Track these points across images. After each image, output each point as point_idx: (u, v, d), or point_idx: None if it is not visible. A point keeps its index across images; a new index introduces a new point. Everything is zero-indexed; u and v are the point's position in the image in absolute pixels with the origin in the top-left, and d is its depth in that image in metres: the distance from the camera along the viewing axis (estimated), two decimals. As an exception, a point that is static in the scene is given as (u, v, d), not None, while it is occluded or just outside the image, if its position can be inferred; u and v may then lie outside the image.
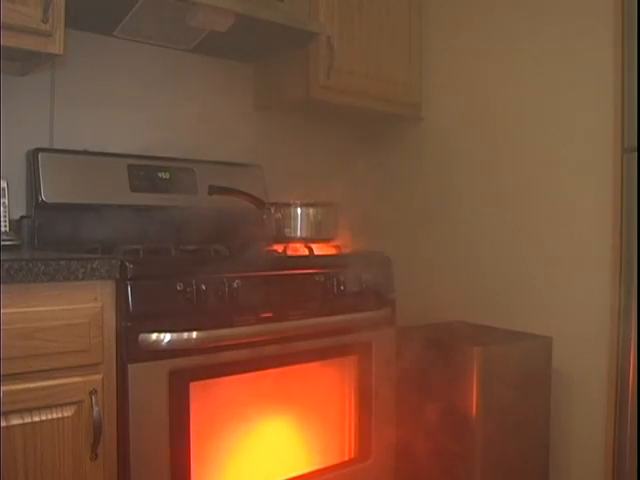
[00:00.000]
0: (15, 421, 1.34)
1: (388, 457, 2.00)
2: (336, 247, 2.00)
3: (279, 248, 1.94)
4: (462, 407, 2.02)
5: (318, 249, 1.93)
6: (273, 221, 2.02)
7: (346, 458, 1.94)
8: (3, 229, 1.85)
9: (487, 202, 2.43)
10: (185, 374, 1.56)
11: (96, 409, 1.43)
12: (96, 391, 1.44)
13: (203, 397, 1.62)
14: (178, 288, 1.54)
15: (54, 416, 1.39)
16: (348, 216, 2.14)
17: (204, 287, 1.57)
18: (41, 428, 1.38)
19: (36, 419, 1.37)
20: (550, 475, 2.20)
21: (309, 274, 1.80)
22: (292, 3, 2.24)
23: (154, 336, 1.50)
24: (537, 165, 2.28)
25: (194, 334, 1.54)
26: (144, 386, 1.50)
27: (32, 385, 1.36)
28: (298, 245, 1.95)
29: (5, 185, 1.88)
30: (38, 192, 1.92)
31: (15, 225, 1.91)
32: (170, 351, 1.52)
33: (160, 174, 2.17)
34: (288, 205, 2.02)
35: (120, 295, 1.49)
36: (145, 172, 2.13)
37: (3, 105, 1.91)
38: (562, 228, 2.18)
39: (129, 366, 1.48)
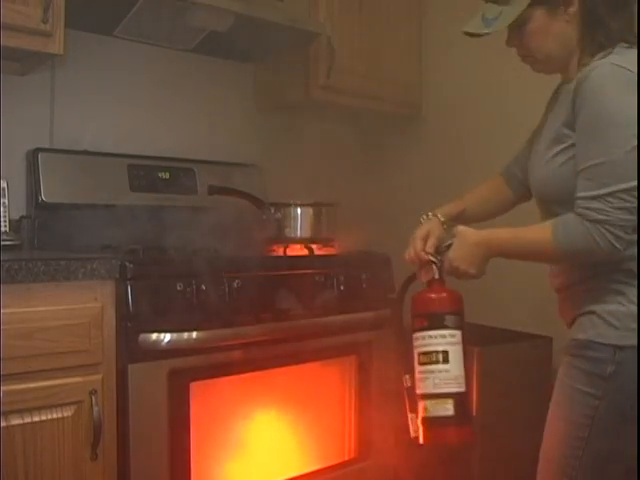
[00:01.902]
0: (15, 421, 1.35)
1: (388, 457, 2.00)
2: (336, 247, 2.00)
3: (279, 248, 1.94)
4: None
5: (318, 249, 1.93)
6: (273, 221, 2.02)
7: (346, 458, 1.95)
8: (3, 229, 1.84)
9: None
10: (185, 374, 1.56)
11: (96, 409, 1.43)
12: (96, 391, 1.44)
13: (203, 397, 1.62)
14: (178, 288, 1.54)
15: (54, 416, 1.39)
16: (348, 216, 2.14)
17: (204, 287, 1.57)
18: (41, 428, 1.38)
19: (36, 419, 1.37)
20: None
21: (309, 274, 1.80)
22: (292, 3, 2.24)
23: (154, 336, 1.50)
24: (537, 165, 2.27)
25: (194, 334, 1.54)
26: (144, 386, 1.50)
27: (32, 385, 1.36)
28: (298, 245, 1.95)
29: (5, 185, 1.88)
30: (38, 192, 1.92)
31: (15, 225, 1.90)
32: (170, 351, 1.52)
33: (160, 174, 2.17)
34: (288, 205, 2.02)
35: (120, 295, 1.49)
36: (145, 172, 2.13)
37: (3, 105, 1.91)
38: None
39: (129, 366, 1.48)
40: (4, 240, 1.79)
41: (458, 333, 1.30)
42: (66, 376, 1.41)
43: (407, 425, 2.11)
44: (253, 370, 1.69)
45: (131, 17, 2.01)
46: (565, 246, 1.18)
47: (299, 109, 2.57)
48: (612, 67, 1.17)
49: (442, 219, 1.46)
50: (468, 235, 1.30)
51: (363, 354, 1.94)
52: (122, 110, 2.16)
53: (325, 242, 2.01)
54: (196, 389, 1.59)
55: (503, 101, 2.38)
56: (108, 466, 1.47)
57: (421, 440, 1.29)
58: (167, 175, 2.18)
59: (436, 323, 1.28)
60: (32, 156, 1.94)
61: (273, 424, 1.80)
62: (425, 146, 2.66)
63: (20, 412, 1.35)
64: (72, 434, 1.42)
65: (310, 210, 2.02)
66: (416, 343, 1.30)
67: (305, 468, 1.84)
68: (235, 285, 1.62)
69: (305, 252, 1.89)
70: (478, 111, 2.47)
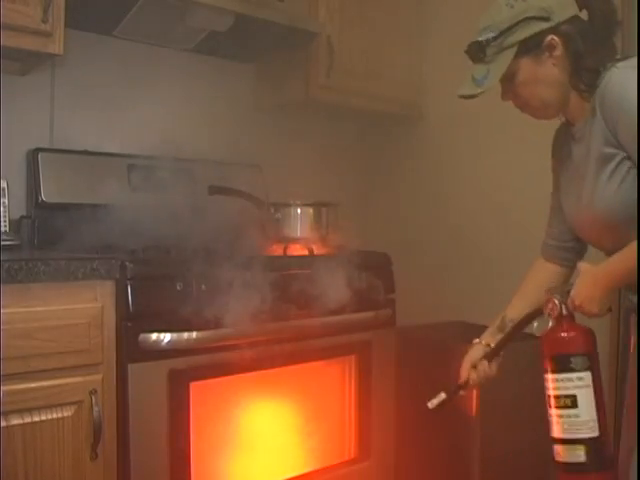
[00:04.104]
0: (15, 421, 1.35)
1: (388, 457, 2.00)
2: (336, 247, 2.00)
3: (279, 248, 1.94)
4: (462, 407, 2.02)
5: (318, 249, 1.93)
6: (273, 221, 2.02)
7: (346, 458, 1.94)
8: (3, 229, 1.84)
9: (488, 202, 2.43)
10: (185, 374, 1.56)
11: (96, 409, 1.43)
12: (96, 391, 1.44)
13: (203, 397, 1.62)
14: (178, 288, 1.54)
15: (54, 416, 1.39)
16: (348, 216, 2.14)
17: (204, 287, 1.57)
18: (41, 428, 1.38)
19: (36, 419, 1.37)
20: (550, 474, 2.20)
21: (309, 274, 1.80)
22: (292, 3, 2.24)
23: (154, 336, 1.50)
24: (538, 164, 2.27)
25: (194, 334, 1.54)
26: (144, 386, 1.50)
27: (32, 385, 1.36)
28: (298, 245, 1.95)
29: (5, 185, 1.88)
30: (38, 192, 1.92)
31: (15, 225, 1.90)
32: (170, 351, 1.52)
33: (160, 174, 2.16)
34: (288, 205, 2.02)
35: (120, 295, 1.49)
36: (145, 172, 2.13)
37: (3, 105, 1.91)
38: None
39: (129, 366, 1.48)
40: (4, 240, 1.79)
41: (587, 375, 1.24)
42: (66, 376, 1.41)
43: (407, 425, 2.12)
44: (253, 370, 1.69)
45: (131, 17, 2.01)
46: None
47: (299, 109, 2.57)
48: (623, 70, 1.21)
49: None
50: (591, 273, 1.27)
51: (363, 354, 1.94)
52: (122, 110, 2.16)
53: (325, 242, 2.01)
54: (196, 389, 1.59)
55: (502, 101, 2.38)
56: (108, 466, 1.47)
57: None
58: (167, 175, 2.18)
59: (562, 366, 1.26)
60: (32, 156, 1.94)
61: (273, 424, 1.80)
62: (425, 146, 2.66)
63: (20, 412, 1.35)
64: (72, 434, 1.42)
65: (310, 210, 2.02)
66: (546, 384, 1.30)
67: (305, 468, 1.84)
68: (235, 285, 1.62)
69: (305, 252, 1.89)
70: (478, 111, 2.46)
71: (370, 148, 2.86)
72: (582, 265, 1.29)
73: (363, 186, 2.82)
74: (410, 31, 2.60)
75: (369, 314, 1.90)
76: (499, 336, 1.58)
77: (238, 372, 1.66)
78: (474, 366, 1.54)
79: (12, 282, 1.34)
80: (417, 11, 2.62)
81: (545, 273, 1.57)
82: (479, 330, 2.32)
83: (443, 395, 1.51)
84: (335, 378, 1.94)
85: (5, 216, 1.86)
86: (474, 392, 1.99)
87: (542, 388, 2.26)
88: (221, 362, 1.61)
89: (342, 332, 1.85)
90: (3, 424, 1.33)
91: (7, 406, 1.33)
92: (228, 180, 2.20)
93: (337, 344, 1.86)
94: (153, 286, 1.51)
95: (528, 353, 2.13)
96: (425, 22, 2.64)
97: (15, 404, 1.34)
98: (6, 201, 1.88)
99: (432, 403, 1.51)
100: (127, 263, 1.50)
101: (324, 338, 1.81)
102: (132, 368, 1.48)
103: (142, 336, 1.49)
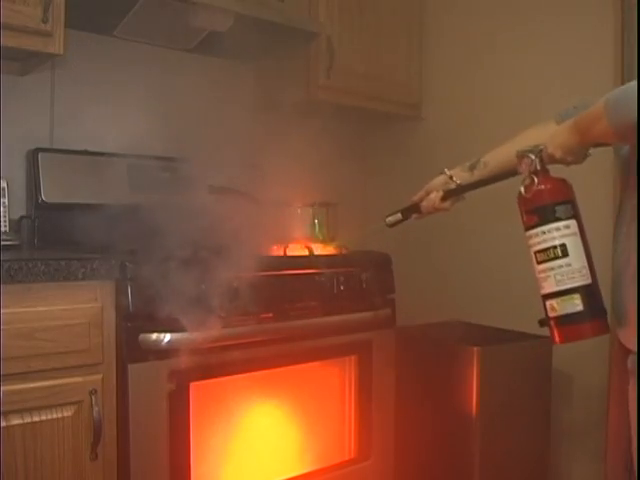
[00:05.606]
0: (15, 421, 1.35)
1: (388, 457, 2.00)
2: (336, 247, 2.00)
3: (279, 248, 1.94)
4: (462, 407, 2.02)
5: (318, 249, 1.93)
6: (273, 221, 2.02)
7: (346, 458, 1.94)
8: (3, 229, 1.84)
9: (487, 201, 2.42)
10: (185, 374, 1.55)
11: (96, 409, 1.43)
12: (96, 391, 1.44)
13: (203, 397, 1.62)
14: (178, 288, 1.54)
15: (54, 416, 1.39)
16: (348, 216, 2.14)
17: (204, 287, 1.57)
18: (41, 428, 1.38)
19: (36, 419, 1.37)
20: (550, 475, 2.20)
21: (309, 274, 1.80)
22: (292, 3, 2.25)
23: (154, 336, 1.50)
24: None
25: (194, 334, 1.53)
26: (144, 386, 1.50)
27: (32, 385, 1.36)
28: (298, 245, 1.95)
29: (5, 185, 1.88)
30: (38, 192, 1.92)
31: (15, 225, 1.90)
32: (170, 351, 1.52)
33: (160, 174, 2.16)
34: (288, 205, 2.02)
35: (120, 295, 1.49)
36: (145, 172, 2.13)
37: (3, 105, 1.91)
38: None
39: (129, 366, 1.48)
40: (4, 240, 1.79)
41: (572, 223, 1.20)
42: (66, 376, 1.41)
43: (407, 425, 2.11)
44: (253, 370, 1.69)
45: (131, 17, 2.01)
46: (612, 105, 1.10)
47: (299, 109, 2.56)
48: None
49: None
50: (565, 124, 1.25)
51: (363, 354, 1.94)
52: (122, 110, 2.16)
53: (325, 242, 2.01)
54: (196, 389, 1.59)
55: (503, 101, 2.38)
56: (108, 466, 1.47)
57: (556, 340, 1.23)
58: (167, 175, 2.18)
59: (547, 217, 1.21)
60: (32, 156, 1.94)
61: (273, 424, 1.80)
62: (425, 146, 2.66)
63: (20, 412, 1.35)
64: (72, 434, 1.42)
65: (310, 210, 2.02)
66: (531, 242, 1.24)
67: (305, 468, 1.84)
68: (235, 285, 1.62)
69: (305, 252, 1.89)
70: (478, 111, 2.47)
71: (370, 148, 2.86)
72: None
73: (363, 186, 2.82)
74: (410, 31, 2.60)
75: (369, 314, 1.90)
76: (466, 175, 1.63)
77: (238, 372, 1.66)
78: (429, 193, 1.60)
79: (12, 282, 1.34)
80: (417, 11, 2.62)
81: (541, 131, 1.48)
82: (479, 330, 2.33)
83: (399, 215, 1.64)
84: (335, 378, 1.94)
85: (5, 216, 1.86)
86: (474, 392, 1.99)
87: (542, 388, 2.26)
88: (221, 362, 1.61)
89: (342, 332, 1.85)
90: (3, 424, 1.33)
91: (7, 406, 1.33)
92: (228, 180, 2.20)
93: (337, 344, 1.86)
94: (153, 286, 1.51)
95: (528, 353, 2.14)
96: (425, 23, 2.64)
97: (15, 404, 1.34)
98: (6, 201, 1.87)
99: (389, 220, 1.63)
100: (127, 263, 1.50)
101: (324, 338, 1.81)
102: (132, 368, 1.48)
103: (142, 336, 1.49)
